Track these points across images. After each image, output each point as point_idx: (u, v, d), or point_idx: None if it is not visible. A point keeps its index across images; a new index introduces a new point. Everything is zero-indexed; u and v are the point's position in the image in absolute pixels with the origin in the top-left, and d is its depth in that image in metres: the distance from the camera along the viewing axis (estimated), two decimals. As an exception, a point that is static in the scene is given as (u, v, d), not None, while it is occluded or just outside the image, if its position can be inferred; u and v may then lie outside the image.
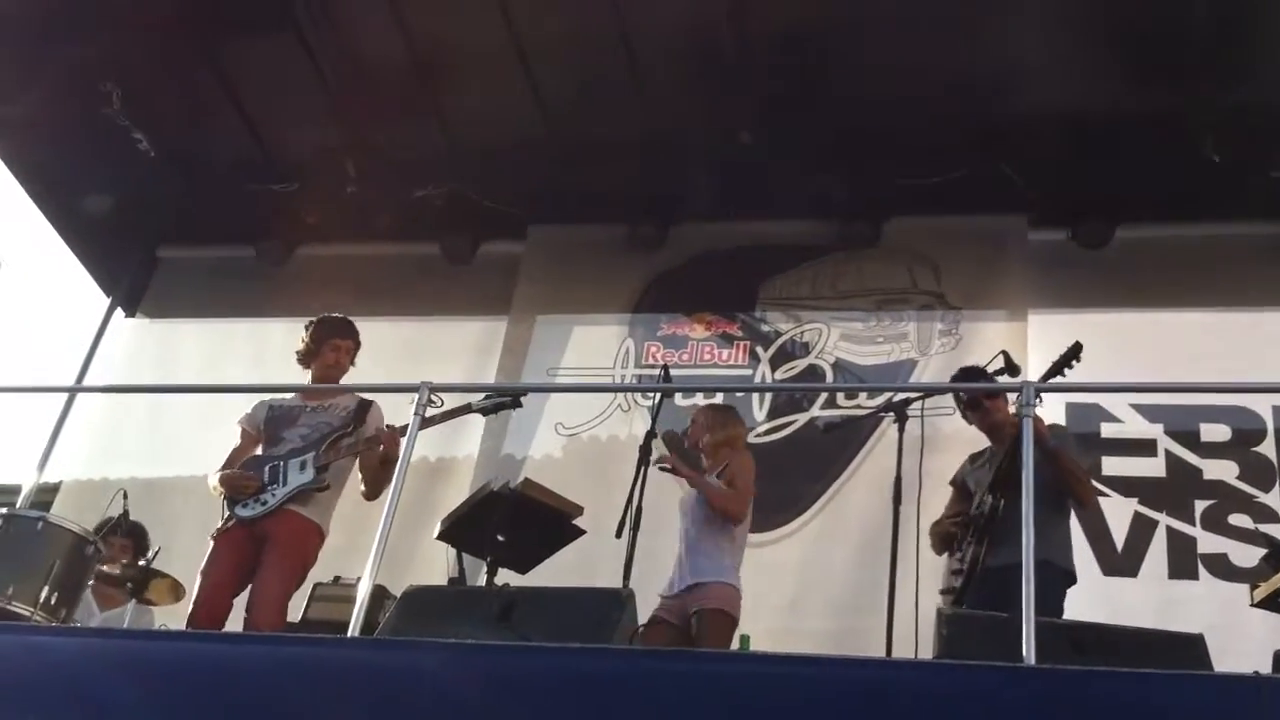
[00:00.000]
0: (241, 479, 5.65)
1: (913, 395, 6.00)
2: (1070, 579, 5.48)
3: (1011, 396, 5.55)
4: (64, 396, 6.61)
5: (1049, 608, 4.89)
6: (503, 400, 5.91)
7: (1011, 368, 5.82)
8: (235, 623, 5.42)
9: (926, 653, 4.72)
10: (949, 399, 6.84)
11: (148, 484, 7.65)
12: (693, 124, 8.01)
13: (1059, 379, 5.52)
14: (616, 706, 4.08)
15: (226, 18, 7.80)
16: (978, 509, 5.50)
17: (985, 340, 7.35)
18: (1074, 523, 5.81)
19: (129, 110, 8.16)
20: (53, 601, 5.10)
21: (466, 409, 5.82)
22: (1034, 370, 6.53)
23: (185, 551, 6.14)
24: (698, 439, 6.19)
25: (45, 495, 7.44)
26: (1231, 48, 7.11)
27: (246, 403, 6.10)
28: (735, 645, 5.38)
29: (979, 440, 6.13)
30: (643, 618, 4.90)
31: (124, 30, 7.79)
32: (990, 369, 5.87)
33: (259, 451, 5.83)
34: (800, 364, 8.06)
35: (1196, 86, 7.32)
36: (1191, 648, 4.31)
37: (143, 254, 9.37)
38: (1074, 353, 5.43)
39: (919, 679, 4.15)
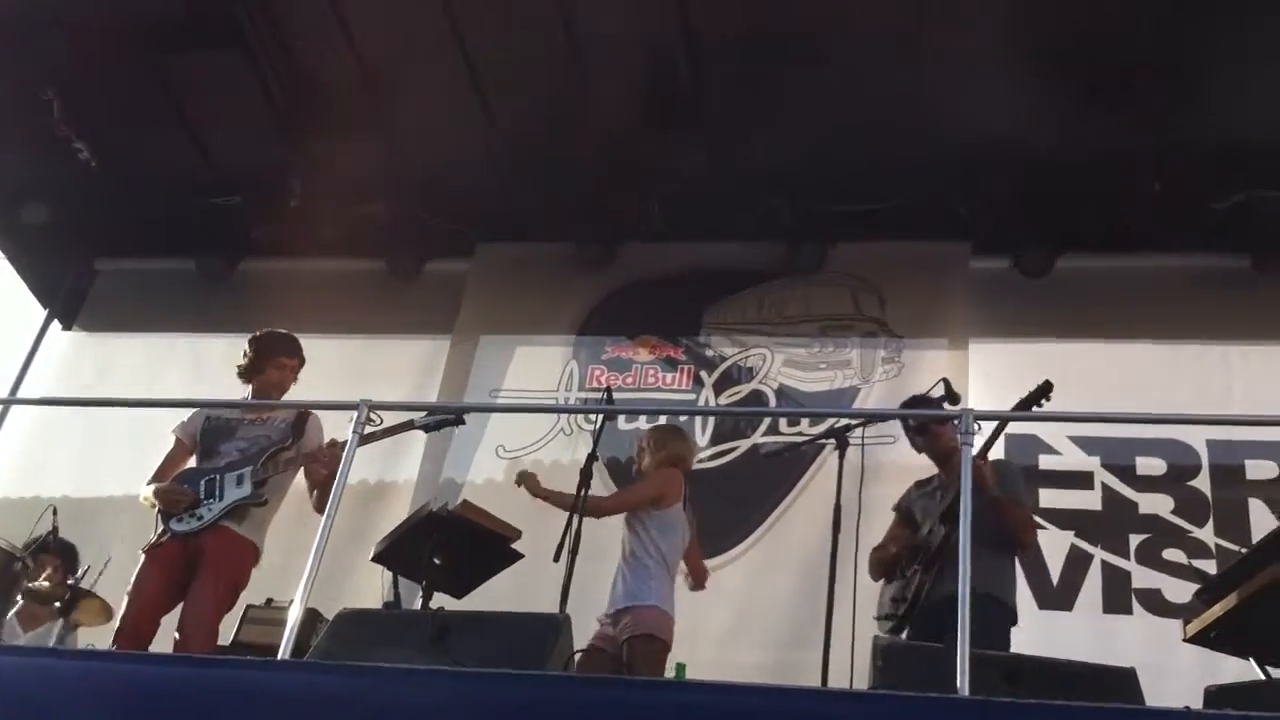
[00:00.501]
0: (174, 493, 5.55)
1: (854, 422, 6.00)
2: (1014, 617, 5.51)
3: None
4: (-3, 410, 6.50)
5: (994, 644, 4.93)
6: (445, 418, 5.87)
7: (951, 395, 5.85)
8: (164, 640, 5.32)
9: (862, 683, 4.70)
10: (891, 427, 6.89)
11: (81, 502, 7.52)
12: (641, 147, 8.01)
13: (996, 408, 5.59)
14: (549, 734, 4.04)
15: (171, 30, 7.70)
16: (927, 537, 5.51)
17: (927, 368, 7.41)
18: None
19: (70, 120, 8.07)
20: (-23, 619, 5.01)
21: (409, 425, 5.77)
22: (974, 399, 6.61)
23: (117, 570, 6.04)
24: (640, 463, 6.16)
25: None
26: (1174, 83, 7.18)
27: (183, 418, 6.02)
28: (671, 673, 5.35)
29: (918, 470, 6.16)
30: (580, 643, 4.86)
31: (66, 40, 7.69)
32: (931, 396, 5.91)
33: (193, 463, 5.74)
34: (744, 389, 8.06)
35: (1139, 120, 7.37)
36: (1124, 681, 4.32)
37: (81, 266, 9.26)
38: (1044, 391, 5.45)
39: (854, 710, 4.14)
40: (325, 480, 5.50)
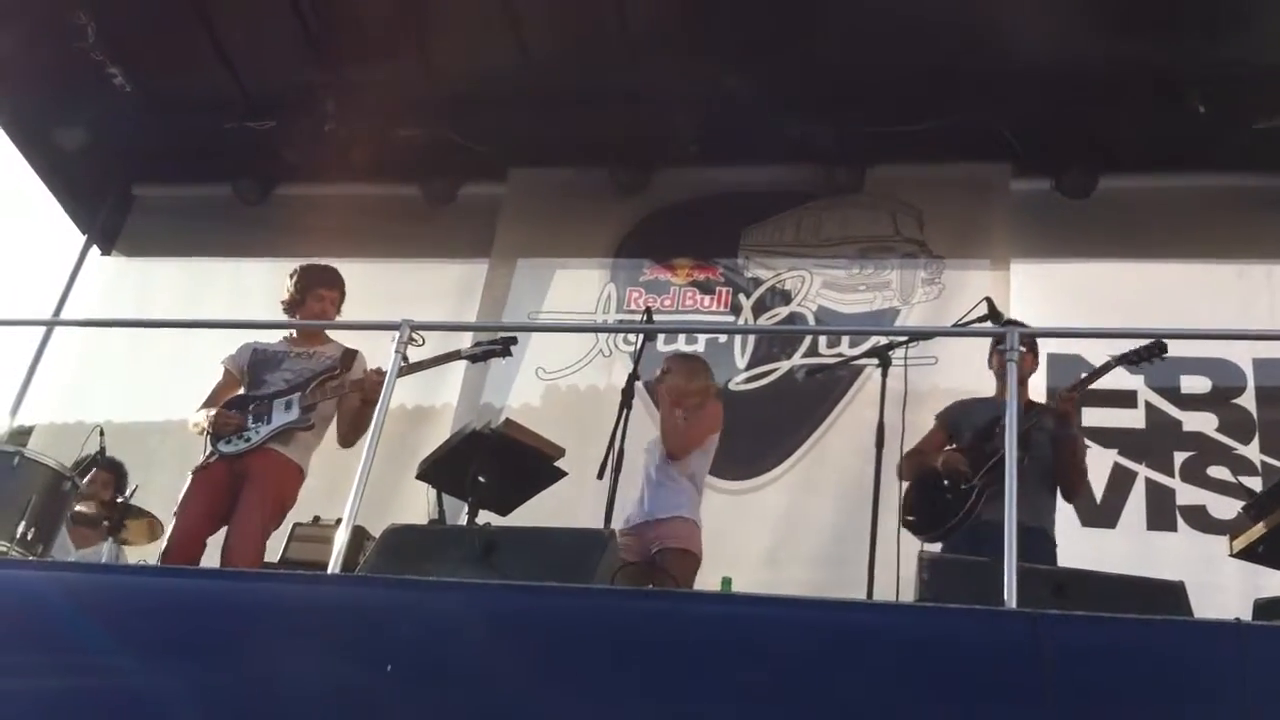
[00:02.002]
0: (224, 417, 5.62)
1: (897, 341, 5.97)
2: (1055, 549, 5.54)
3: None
4: (39, 338, 6.51)
5: None
6: (492, 348, 5.79)
7: (995, 314, 5.83)
8: (211, 561, 5.38)
9: (907, 598, 4.71)
10: (933, 348, 6.87)
11: (124, 426, 7.53)
12: (677, 68, 7.91)
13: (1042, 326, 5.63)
14: (598, 645, 4.07)
15: (204, -48, 7.67)
16: (990, 457, 5.42)
17: (969, 288, 7.34)
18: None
19: (104, 45, 8.02)
20: (30, 537, 5.07)
21: (455, 355, 5.77)
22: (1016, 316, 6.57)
23: (161, 492, 6.10)
24: (664, 385, 6.17)
25: (19, 439, 7.31)
26: (1217, 2, 7.06)
27: (225, 342, 6.05)
28: (718, 587, 5.38)
29: (960, 391, 6.15)
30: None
31: (99, -37, 7.66)
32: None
33: (241, 392, 5.79)
34: (782, 311, 8.02)
35: (1182, 38, 7.26)
36: (1173, 594, 4.32)
37: (118, 191, 9.24)
38: (1158, 349, 5.44)
39: (901, 621, 4.15)
40: (359, 411, 5.54)
